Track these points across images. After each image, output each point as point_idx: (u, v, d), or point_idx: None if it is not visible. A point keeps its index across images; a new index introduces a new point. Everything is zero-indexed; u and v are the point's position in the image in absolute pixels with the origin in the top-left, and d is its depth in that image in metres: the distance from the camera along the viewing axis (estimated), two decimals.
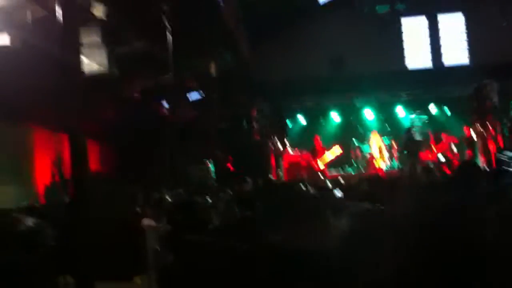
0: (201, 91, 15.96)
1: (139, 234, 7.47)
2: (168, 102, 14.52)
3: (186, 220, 5.18)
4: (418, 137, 16.79)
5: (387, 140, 18.53)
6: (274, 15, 17.40)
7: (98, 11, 8.99)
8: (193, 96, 15.19)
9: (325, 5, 18.84)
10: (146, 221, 7.25)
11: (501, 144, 16.72)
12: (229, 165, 13.95)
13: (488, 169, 12.37)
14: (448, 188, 4.42)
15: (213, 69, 14.04)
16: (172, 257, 4.95)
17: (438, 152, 17.44)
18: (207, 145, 14.64)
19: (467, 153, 17.53)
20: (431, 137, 17.55)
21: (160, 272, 5.56)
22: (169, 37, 10.52)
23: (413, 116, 18.02)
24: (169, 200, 6.80)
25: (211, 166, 13.45)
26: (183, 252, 4.72)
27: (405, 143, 16.96)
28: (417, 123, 17.49)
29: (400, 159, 18.02)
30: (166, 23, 10.40)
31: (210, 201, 6.57)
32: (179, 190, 7.37)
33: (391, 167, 17.76)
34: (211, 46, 13.65)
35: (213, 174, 13.18)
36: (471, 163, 6.36)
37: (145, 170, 11.85)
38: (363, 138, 18.84)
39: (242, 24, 16.08)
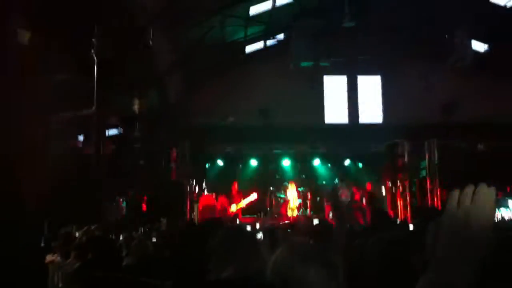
0: (122, 128, 15.74)
1: (41, 270, 7.12)
2: (86, 136, 14.19)
3: (97, 256, 5.06)
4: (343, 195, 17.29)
5: (302, 189, 18.94)
6: (206, 64, 17.69)
7: (23, 37, 8.77)
8: (113, 132, 14.98)
9: (251, 56, 19.43)
10: (50, 257, 6.95)
11: (409, 201, 17.60)
12: (144, 204, 13.69)
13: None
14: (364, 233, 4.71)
15: (137, 107, 13.94)
16: None
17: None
18: (123, 182, 14.37)
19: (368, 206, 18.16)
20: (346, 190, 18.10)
21: None
22: (96, 71, 10.38)
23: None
24: (79, 235, 6.59)
25: (124, 204, 13.17)
26: None
27: (333, 203, 17.36)
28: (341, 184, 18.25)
29: (314, 208, 18.51)
30: (95, 57, 10.28)
31: (123, 238, 6.46)
32: (91, 226, 7.15)
33: (304, 215, 18.07)
34: (138, 85, 13.59)
35: (126, 212, 12.89)
36: (383, 213, 6.73)
37: (55, 204, 11.39)
38: (280, 186, 19.15)
39: (173, 69, 16.19)
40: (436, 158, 17.92)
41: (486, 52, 18.62)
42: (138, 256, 5.31)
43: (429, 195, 17.53)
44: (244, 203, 17.89)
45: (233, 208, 17.52)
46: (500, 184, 14.49)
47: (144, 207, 13.52)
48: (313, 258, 1.83)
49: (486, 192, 1.13)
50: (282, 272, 1.81)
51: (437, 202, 17.12)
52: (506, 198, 15.88)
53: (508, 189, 17.06)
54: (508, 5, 15.53)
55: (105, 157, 12.28)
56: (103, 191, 10.44)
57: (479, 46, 18.62)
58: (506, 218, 14.85)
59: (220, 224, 3.54)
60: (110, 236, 6.24)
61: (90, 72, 10.71)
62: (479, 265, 1.10)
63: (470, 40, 17.23)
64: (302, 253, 1.87)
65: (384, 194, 19.31)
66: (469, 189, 1.13)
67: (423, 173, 18.09)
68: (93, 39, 10.42)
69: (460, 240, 1.10)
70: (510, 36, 15.87)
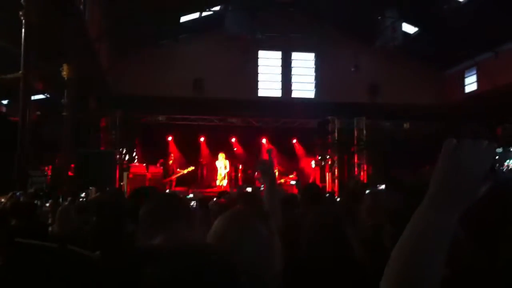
0: (49, 94, 15.24)
1: None
2: (11, 101, 13.67)
3: (22, 222, 4.93)
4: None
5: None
6: (138, 31, 17.26)
7: None
8: (40, 97, 14.49)
9: (186, 25, 19.14)
10: None
11: (337, 174, 18.20)
12: (70, 172, 13.35)
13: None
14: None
15: (65, 74, 13.46)
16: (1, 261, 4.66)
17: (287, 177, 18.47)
18: (49, 149, 13.96)
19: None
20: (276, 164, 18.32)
21: None
22: (24, 34, 9.93)
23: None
24: (3, 201, 6.39)
25: (51, 171, 12.82)
26: (15, 255, 4.47)
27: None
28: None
29: (245, 179, 18.74)
30: (23, 20, 9.82)
31: (48, 206, 6.32)
32: (16, 192, 6.93)
33: (234, 186, 18.25)
34: (67, 51, 13.13)
35: (52, 180, 12.54)
36: (314, 185, 6.92)
37: None
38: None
39: (105, 35, 15.73)
40: (364, 135, 18.54)
41: (415, 35, 19.22)
42: (62, 225, 5.21)
43: (356, 169, 18.16)
44: (180, 173, 17.93)
45: (167, 177, 17.57)
46: (423, 160, 15.15)
47: (70, 175, 13.21)
48: (253, 226, 1.82)
49: (485, 146, 1.22)
50: (223, 241, 1.78)
51: (363, 176, 17.77)
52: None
53: None
54: None
55: (30, 123, 11.89)
56: (28, 157, 10.10)
57: (409, 29, 19.16)
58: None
59: (153, 191, 3.51)
60: (36, 203, 6.09)
61: (17, 35, 10.26)
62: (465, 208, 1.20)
63: (401, 22, 17.69)
64: (243, 221, 1.85)
65: (313, 167, 19.86)
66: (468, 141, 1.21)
67: (351, 149, 18.71)
68: (21, 1, 9.96)
69: (455, 180, 1.18)
70: (439, 20, 16.41)
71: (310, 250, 2.84)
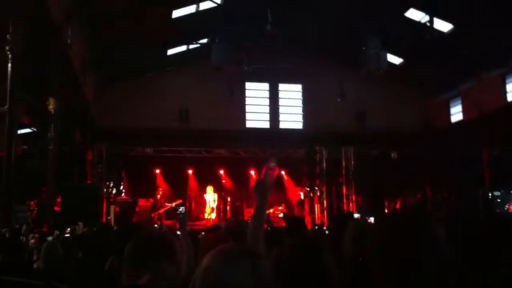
0: (35, 128, 15.13)
1: None
2: None
3: (7, 259, 4.82)
4: None
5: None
6: (123, 64, 17.31)
7: None
8: (25, 131, 14.38)
9: (173, 58, 19.23)
10: None
11: (326, 205, 18.15)
12: (56, 207, 13.16)
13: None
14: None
15: (51, 107, 13.40)
16: None
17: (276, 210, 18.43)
18: (35, 184, 13.78)
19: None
20: None
21: None
22: (10, 68, 9.89)
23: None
24: None
25: (37, 206, 12.64)
26: None
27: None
28: None
29: (233, 212, 18.62)
30: (9, 54, 9.80)
31: (33, 241, 6.20)
32: (1, 229, 6.79)
33: (224, 219, 18.10)
34: (52, 85, 13.11)
35: (38, 215, 12.37)
36: (298, 218, 6.94)
37: None
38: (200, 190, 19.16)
39: (89, 69, 15.76)
40: (352, 165, 18.55)
41: (401, 65, 19.43)
42: (47, 261, 5.10)
43: (344, 200, 18.12)
44: (168, 207, 17.78)
45: (156, 211, 17.42)
46: (411, 189, 15.18)
47: (57, 210, 13.02)
48: (244, 261, 1.80)
49: None
50: (212, 278, 1.76)
51: (352, 207, 17.73)
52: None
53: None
54: (423, 21, 16.23)
55: (16, 158, 11.77)
56: (14, 192, 9.95)
57: (394, 59, 19.40)
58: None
59: (138, 229, 3.44)
60: (21, 239, 5.97)
61: (2, 69, 10.23)
62: None
63: (385, 52, 17.88)
64: (233, 257, 1.83)
65: (302, 199, 19.78)
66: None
67: (339, 179, 18.70)
68: (7, 35, 9.96)
69: None
70: (423, 51, 16.63)
71: (285, 278, 2.82)
